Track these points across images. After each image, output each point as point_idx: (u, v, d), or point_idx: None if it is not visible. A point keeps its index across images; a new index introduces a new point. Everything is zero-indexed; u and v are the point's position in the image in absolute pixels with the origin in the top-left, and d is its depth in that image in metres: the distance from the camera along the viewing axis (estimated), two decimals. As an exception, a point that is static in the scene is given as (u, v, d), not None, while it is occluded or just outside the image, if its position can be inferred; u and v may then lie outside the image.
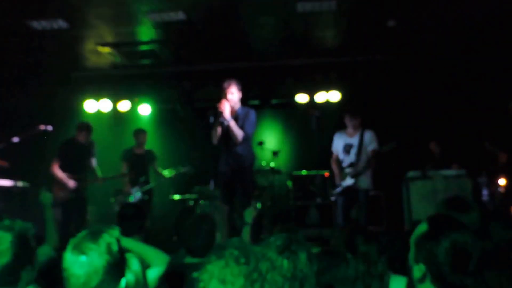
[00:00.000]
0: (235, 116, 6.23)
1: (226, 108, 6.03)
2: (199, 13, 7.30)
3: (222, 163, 6.34)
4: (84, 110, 9.88)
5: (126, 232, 3.73)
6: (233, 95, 6.21)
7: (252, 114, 6.34)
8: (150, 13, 7.23)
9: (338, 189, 7.33)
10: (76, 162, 7.86)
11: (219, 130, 6.18)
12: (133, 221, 4.53)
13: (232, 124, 6.09)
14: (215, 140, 6.27)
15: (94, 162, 8.11)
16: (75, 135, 7.97)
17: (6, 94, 9.88)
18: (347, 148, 7.31)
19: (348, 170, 7.23)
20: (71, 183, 7.62)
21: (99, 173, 8.12)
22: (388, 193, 8.56)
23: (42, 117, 8.00)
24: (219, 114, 6.08)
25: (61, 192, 7.65)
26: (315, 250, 2.77)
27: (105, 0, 6.86)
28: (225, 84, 6.22)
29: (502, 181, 7.25)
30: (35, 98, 9.81)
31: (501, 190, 7.28)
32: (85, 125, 8.04)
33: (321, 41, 8.57)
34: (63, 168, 7.74)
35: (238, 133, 6.11)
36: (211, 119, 6.26)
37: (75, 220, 7.65)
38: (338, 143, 7.43)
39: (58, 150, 7.86)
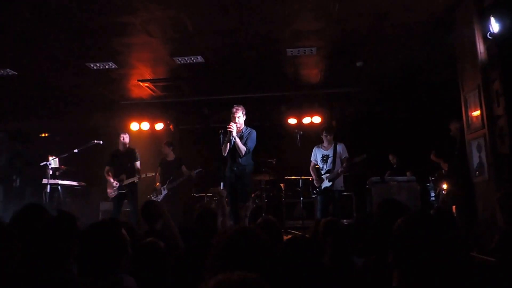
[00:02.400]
0: (240, 135, 6.15)
1: (234, 128, 5.99)
2: (214, 57, 7.29)
3: (228, 170, 6.25)
4: (130, 129, 9.89)
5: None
6: (239, 118, 6.12)
7: (254, 133, 6.23)
8: (176, 57, 7.21)
9: (317, 190, 7.17)
10: (118, 166, 7.74)
11: (228, 145, 6.12)
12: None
13: (238, 142, 6.03)
14: (224, 153, 6.20)
15: (137, 164, 7.80)
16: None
17: (69, 117, 10.06)
18: (324, 158, 7.17)
19: (326, 175, 7.08)
20: (111, 187, 7.57)
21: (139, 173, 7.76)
22: (357, 193, 8.42)
23: (97, 135, 8.07)
24: (228, 133, 6.05)
25: (110, 191, 7.62)
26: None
27: (143, 48, 6.87)
28: (234, 109, 6.14)
29: (444, 186, 7.18)
30: (91, 120, 9.93)
31: (444, 192, 7.21)
32: (121, 136, 7.86)
33: (306, 77, 8.50)
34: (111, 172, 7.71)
35: (242, 148, 6.04)
36: (222, 137, 6.20)
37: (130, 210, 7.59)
38: (317, 154, 7.31)
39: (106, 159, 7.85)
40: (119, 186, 7.55)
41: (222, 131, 6.26)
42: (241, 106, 6.22)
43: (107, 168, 7.76)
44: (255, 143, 6.25)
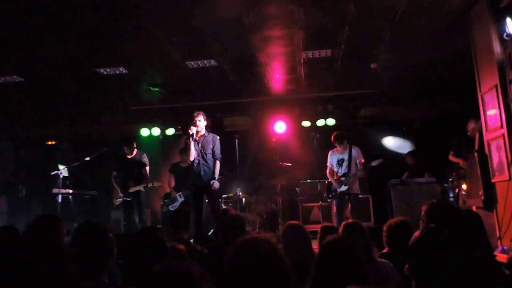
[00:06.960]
0: (202, 139, 6.51)
1: (194, 131, 6.39)
2: (227, 61, 7.42)
3: (195, 178, 6.47)
4: (140, 134, 10.06)
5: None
6: (200, 122, 6.49)
7: (218, 139, 6.64)
8: (189, 61, 7.33)
9: (333, 194, 7.47)
10: (125, 172, 7.66)
11: (192, 151, 6.42)
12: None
13: (217, 168, 6.51)
14: (190, 159, 6.45)
15: (145, 171, 7.70)
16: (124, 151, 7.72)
17: (78, 123, 10.14)
18: (340, 162, 7.48)
19: (342, 179, 7.39)
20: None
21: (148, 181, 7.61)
22: (375, 196, 8.64)
23: (108, 142, 8.25)
24: (190, 136, 6.41)
25: (115, 198, 7.66)
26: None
27: (154, 52, 6.98)
28: (194, 114, 6.53)
29: (464, 186, 7.19)
30: (102, 126, 10.09)
31: (463, 193, 7.18)
32: (127, 140, 7.75)
33: (321, 79, 8.63)
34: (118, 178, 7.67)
35: (218, 169, 6.53)
36: (187, 142, 6.51)
37: (135, 217, 7.45)
38: (332, 159, 7.61)
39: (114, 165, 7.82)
40: (124, 193, 7.49)
41: (187, 138, 6.56)
42: (202, 111, 6.64)
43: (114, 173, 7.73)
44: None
